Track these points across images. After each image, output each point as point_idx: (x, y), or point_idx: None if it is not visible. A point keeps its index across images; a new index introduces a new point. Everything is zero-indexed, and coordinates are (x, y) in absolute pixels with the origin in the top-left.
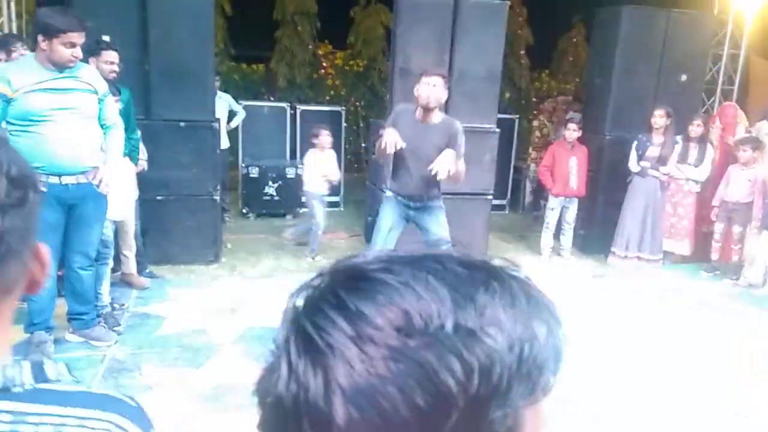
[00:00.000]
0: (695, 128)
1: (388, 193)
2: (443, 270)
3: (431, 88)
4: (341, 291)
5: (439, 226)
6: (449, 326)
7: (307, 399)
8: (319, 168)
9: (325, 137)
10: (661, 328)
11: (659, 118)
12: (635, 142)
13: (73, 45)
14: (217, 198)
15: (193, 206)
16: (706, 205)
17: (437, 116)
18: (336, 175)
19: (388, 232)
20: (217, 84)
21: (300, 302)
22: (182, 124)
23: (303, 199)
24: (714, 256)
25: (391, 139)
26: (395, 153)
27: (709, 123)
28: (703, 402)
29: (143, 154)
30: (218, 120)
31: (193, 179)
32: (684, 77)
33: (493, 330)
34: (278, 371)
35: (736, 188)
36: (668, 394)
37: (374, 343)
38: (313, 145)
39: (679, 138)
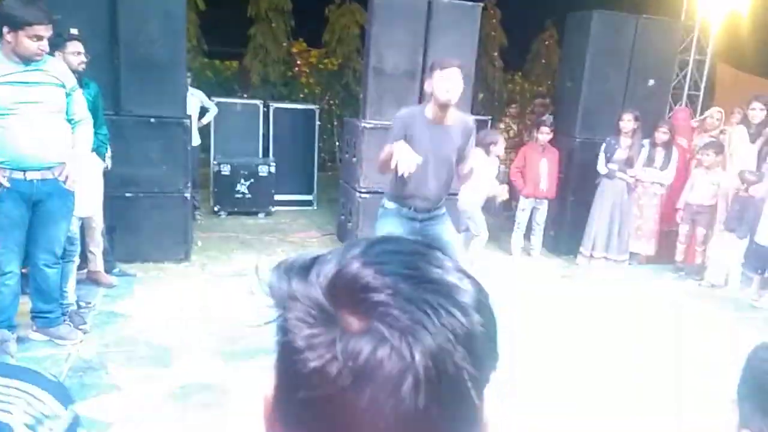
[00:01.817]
0: (661, 134)
1: (389, 206)
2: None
3: (451, 83)
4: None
5: (451, 234)
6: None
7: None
8: (487, 173)
9: (501, 144)
10: (626, 326)
11: (627, 121)
12: (603, 145)
13: (39, 38)
14: (188, 195)
15: (163, 203)
16: (668, 205)
17: (453, 113)
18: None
19: None
20: (189, 80)
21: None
22: (153, 120)
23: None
24: (679, 257)
25: (406, 158)
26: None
27: (674, 128)
28: (664, 397)
29: (108, 150)
30: (189, 116)
31: (163, 176)
32: (652, 82)
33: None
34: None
35: (699, 191)
36: (630, 389)
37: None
38: (488, 153)
39: (645, 142)
